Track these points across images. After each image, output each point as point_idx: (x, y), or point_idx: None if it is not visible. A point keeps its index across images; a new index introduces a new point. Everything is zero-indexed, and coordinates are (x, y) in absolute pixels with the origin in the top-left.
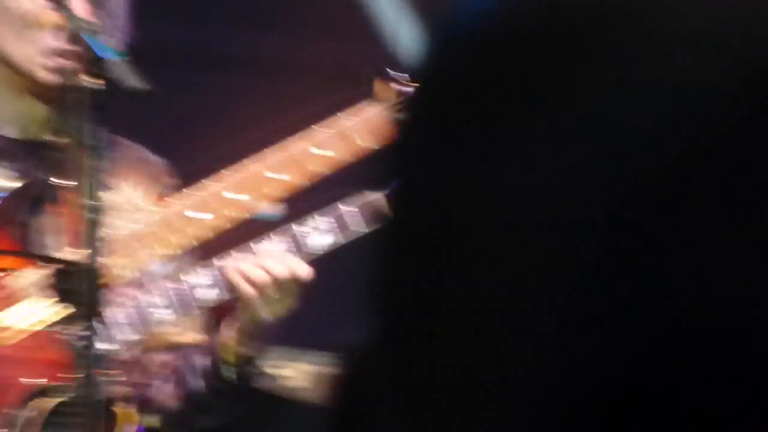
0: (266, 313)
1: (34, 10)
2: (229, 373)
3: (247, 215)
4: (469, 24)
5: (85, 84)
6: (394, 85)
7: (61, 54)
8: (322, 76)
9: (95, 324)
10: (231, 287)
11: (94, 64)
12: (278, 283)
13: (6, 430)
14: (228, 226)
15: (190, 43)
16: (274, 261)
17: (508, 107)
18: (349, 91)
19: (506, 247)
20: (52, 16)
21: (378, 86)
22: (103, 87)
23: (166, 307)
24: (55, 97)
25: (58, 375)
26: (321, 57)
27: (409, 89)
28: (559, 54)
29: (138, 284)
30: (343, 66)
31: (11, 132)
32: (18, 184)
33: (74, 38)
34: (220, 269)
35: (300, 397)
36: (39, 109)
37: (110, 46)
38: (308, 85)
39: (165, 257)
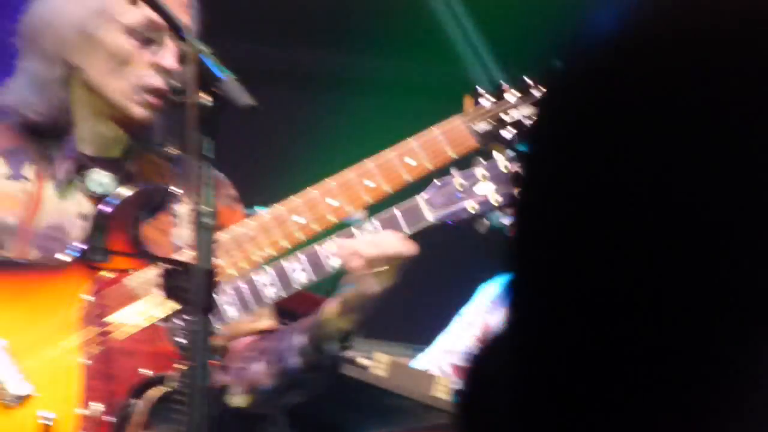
0: (370, 289)
1: (131, 49)
2: (328, 349)
3: (339, 220)
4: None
5: (201, 101)
6: (481, 100)
7: (154, 92)
8: (418, 93)
9: (209, 319)
10: (323, 266)
11: (210, 83)
12: (386, 258)
13: (116, 417)
14: (321, 229)
15: (289, 63)
16: (384, 237)
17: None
18: (442, 106)
19: None
20: (151, 52)
21: (467, 101)
22: (217, 104)
23: (270, 285)
24: (138, 124)
25: (167, 366)
26: (415, 76)
27: (492, 101)
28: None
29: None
30: (436, 84)
31: (88, 150)
32: (130, 192)
33: (192, 60)
34: (339, 245)
35: (379, 383)
36: (119, 134)
37: (222, 67)
38: (404, 102)
39: (265, 257)
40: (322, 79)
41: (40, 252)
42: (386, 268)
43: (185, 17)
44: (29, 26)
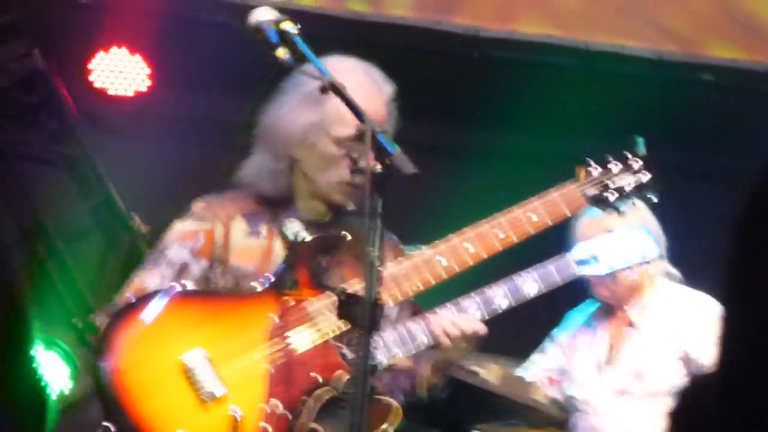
0: (454, 356)
1: (338, 155)
2: (421, 395)
3: (474, 263)
4: None
5: (378, 170)
6: (590, 170)
7: (350, 186)
8: (539, 163)
9: (371, 338)
10: (434, 336)
11: (384, 155)
12: (464, 336)
13: (290, 412)
14: (460, 270)
15: (434, 138)
16: (463, 320)
17: None
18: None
19: None
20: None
21: (578, 170)
22: (389, 172)
23: (422, 334)
24: (338, 205)
25: (334, 375)
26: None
27: (599, 171)
28: None
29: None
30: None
31: (304, 217)
32: (311, 237)
33: (370, 138)
34: (426, 322)
35: (492, 389)
36: (326, 208)
37: (392, 142)
38: (529, 170)
39: (411, 293)
40: (465, 152)
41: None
42: (465, 345)
43: (380, 107)
44: (263, 125)
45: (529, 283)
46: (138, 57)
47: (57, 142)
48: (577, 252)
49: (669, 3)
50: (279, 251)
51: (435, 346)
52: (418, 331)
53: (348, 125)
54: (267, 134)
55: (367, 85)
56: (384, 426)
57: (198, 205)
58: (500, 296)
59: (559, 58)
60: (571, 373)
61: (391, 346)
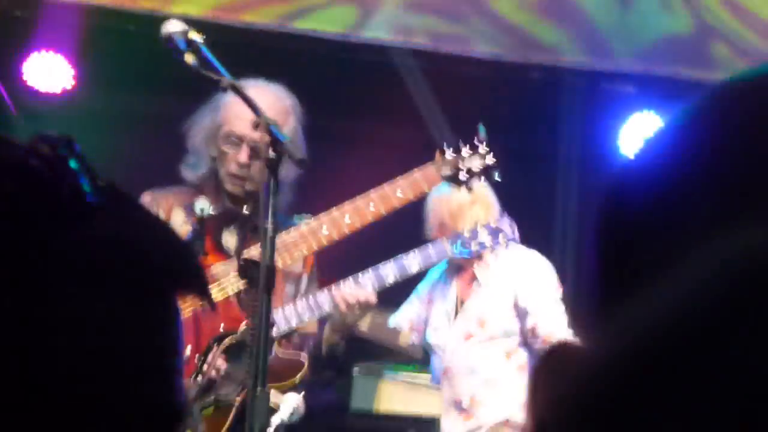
0: (350, 320)
1: (225, 149)
2: (323, 352)
3: (350, 232)
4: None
5: (272, 156)
6: (447, 155)
7: (238, 177)
8: (406, 149)
9: (268, 296)
10: (335, 304)
11: (277, 144)
12: (359, 304)
13: (200, 356)
14: (338, 238)
15: (321, 129)
16: (360, 291)
17: None
18: (424, 158)
19: None
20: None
21: (438, 155)
22: (280, 157)
23: (310, 311)
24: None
25: (237, 325)
26: (404, 136)
27: (453, 155)
28: None
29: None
30: (420, 142)
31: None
32: (216, 212)
33: (265, 129)
34: (329, 293)
35: (363, 335)
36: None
37: (283, 133)
38: (397, 155)
39: (299, 257)
40: (341, 138)
41: None
42: (359, 311)
43: (280, 113)
44: (187, 130)
45: (413, 263)
46: (62, 58)
47: None
48: (453, 238)
49: None
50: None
51: (336, 312)
52: (323, 300)
53: (238, 122)
54: (189, 138)
55: (270, 95)
56: (297, 378)
57: (145, 197)
58: (390, 273)
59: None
60: (429, 321)
61: (301, 313)
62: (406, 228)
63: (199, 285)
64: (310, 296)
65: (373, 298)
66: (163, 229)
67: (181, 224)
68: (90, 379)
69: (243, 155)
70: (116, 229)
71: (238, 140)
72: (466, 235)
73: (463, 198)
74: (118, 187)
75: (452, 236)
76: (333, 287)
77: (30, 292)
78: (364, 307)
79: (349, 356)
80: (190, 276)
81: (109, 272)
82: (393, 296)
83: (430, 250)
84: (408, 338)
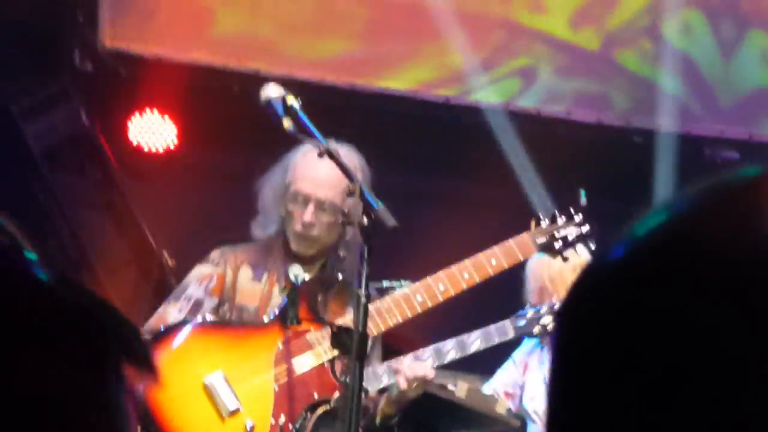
0: (407, 394)
1: (291, 208)
2: (376, 421)
3: (445, 300)
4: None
5: (365, 223)
6: (540, 222)
7: (303, 237)
8: (502, 214)
9: (361, 364)
10: (394, 377)
11: (369, 210)
12: (416, 378)
13: (295, 425)
14: (432, 305)
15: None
16: (419, 366)
17: None
18: (516, 225)
19: None
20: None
21: (533, 224)
22: (373, 225)
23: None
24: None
25: (330, 393)
26: (499, 200)
27: (548, 223)
28: None
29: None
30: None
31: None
32: (310, 276)
33: (357, 195)
34: (389, 365)
35: (458, 401)
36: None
37: (376, 198)
38: (491, 220)
39: (392, 324)
40: (433, 199)
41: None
42: (416, 385)
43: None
44: (259, 189)
45: (474, 342)
46: (167, 118)
47: (100, 190)
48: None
49: None
50: (275, 294)
51: (394, 386)
52: (382, 372)
53: (305, 182)
54: (260, 197)
55: (354, 159)
56: None
57: (215, 253)
58: (450, 350)
59: None
60: (524, 388)
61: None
62: (494, 295)
63: (141, 353)
64: (369, 368)
65: (431, 373)
66: (107, 304)
67: (248, 281)
68: None
69: (308, 215)
70: (66, 301)
71: (305, 200)
72: (530, 315)
73: (563, 263)
74: (65, 273)
75: (515, 316)
76: (393, 361)
77: None
78: (422, 381)
79: (442, 422)
80: (133, 343)
81: (60, 338)
82: (481, 363)
83: (492, 329)
84: (506, 405)
